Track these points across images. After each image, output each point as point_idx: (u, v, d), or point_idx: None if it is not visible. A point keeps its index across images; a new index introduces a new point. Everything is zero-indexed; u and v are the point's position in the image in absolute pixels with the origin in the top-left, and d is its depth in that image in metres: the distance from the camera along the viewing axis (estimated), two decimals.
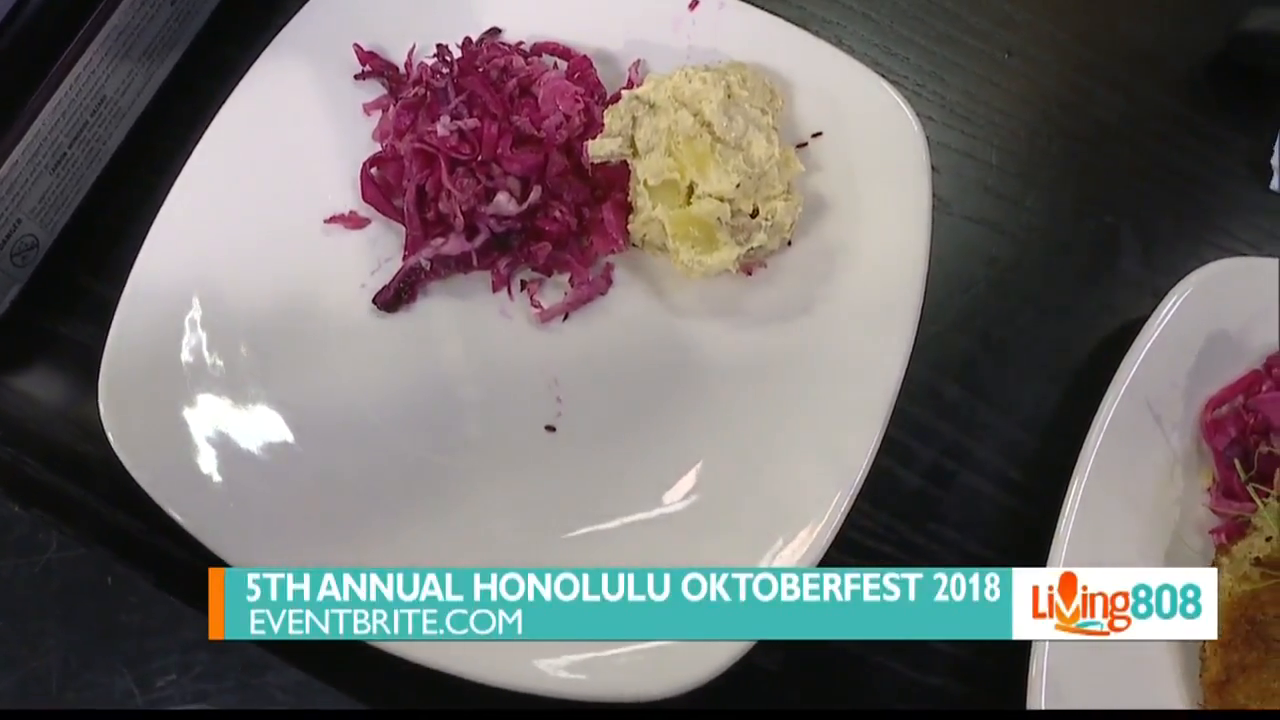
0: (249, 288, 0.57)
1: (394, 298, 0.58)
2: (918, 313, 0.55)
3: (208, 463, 0.53)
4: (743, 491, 0.53)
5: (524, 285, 0.59)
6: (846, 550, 0.54)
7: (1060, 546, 0.52)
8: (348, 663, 0.51)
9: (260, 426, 0.55)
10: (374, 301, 0.58)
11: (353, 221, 0.60)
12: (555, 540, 0.53)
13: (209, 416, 0.54)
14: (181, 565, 0.55)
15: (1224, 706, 0.51)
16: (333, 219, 0.59)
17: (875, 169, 0.59)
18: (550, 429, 0.56)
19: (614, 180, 0.59)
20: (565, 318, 0.58)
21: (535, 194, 0.57)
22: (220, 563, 0.51)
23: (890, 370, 0.54)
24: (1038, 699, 0.49)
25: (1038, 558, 0.52)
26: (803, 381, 0.55)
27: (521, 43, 0.62)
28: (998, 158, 0.66)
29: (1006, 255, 0.63)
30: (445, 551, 0.52)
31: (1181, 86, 0.68)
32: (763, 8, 0.62)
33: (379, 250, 0.59)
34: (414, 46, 0.62)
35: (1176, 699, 0.52)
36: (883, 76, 0.60)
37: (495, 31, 0.63)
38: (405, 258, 0.58)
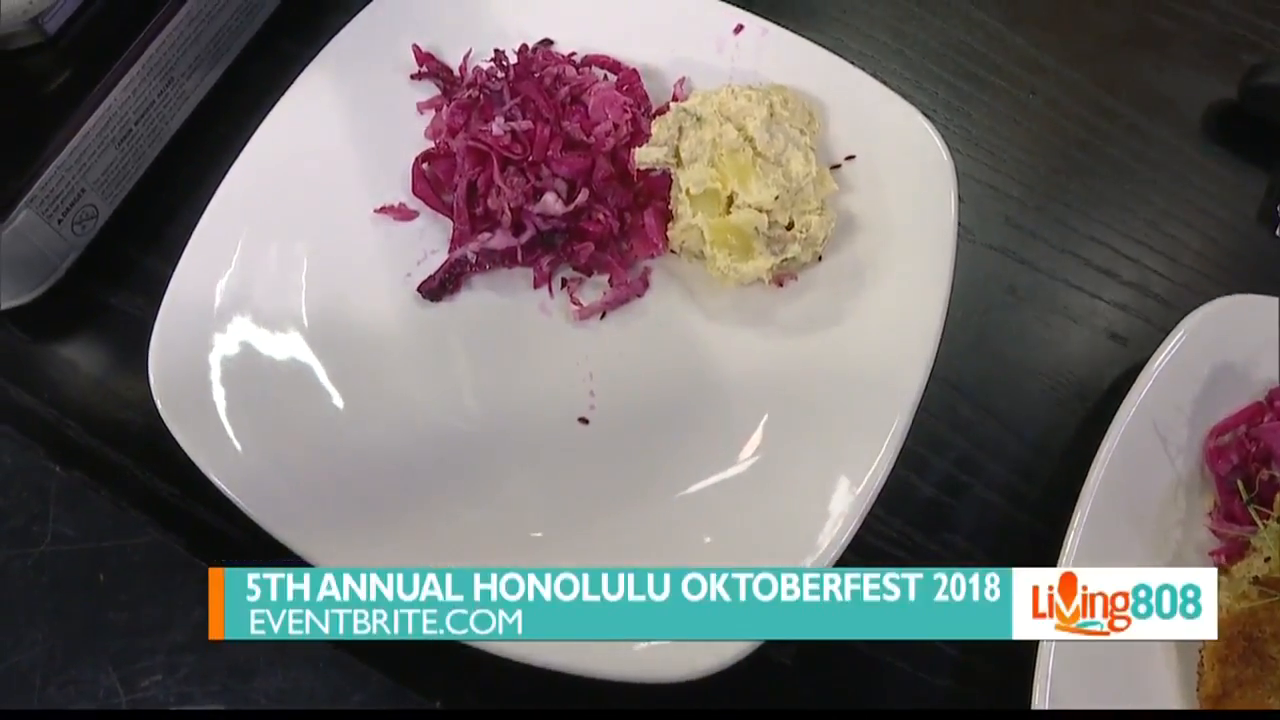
0: (299, 270, 0.59)
1: (439, 287, 0.60)
2: (940, 331, 0.57)
3: (253, 435, 0.54)
4: (756, 500, 0.55)
5: (564, 283, 0.61)
6: (860, 554, 0.56)
7: (1067, 562, 0.54)
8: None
9: (306, 400, 0.56)
10: (419, 290, 0.60)
11: (401, 213, 0.62)
12: (572, 529, 0.55)
13: (255, 389, 0.56)
14: (215, 532, 0.56)
15: None
16: (382, 209, 0.61)
17: (905, 193, 0.61)
18: (583, 421, 0.58)
19: (656, 189, 0.61)
20: (602, 316, 0.60)
21: (581, 196, 0.60)
22: (258, 533, 0.52)
23: (911, 383, 0.55)
24: (1043, 699, 0.51)
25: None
26: (828, 388, 0.57)
27: (573, 54, 0.65)
28: (1018, 191, 0.69)
29: (1024, 283, 0.66)
30: (483, 528, 0.54)
31: (1195, 134, 0.71)
32: (802, 37, 0.65)
33: (425, 242, 0.61)
34: (469, 51, 0.65)
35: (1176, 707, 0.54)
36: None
37: (548, 42, 0.66)
38: (451, 250, 0.60)
